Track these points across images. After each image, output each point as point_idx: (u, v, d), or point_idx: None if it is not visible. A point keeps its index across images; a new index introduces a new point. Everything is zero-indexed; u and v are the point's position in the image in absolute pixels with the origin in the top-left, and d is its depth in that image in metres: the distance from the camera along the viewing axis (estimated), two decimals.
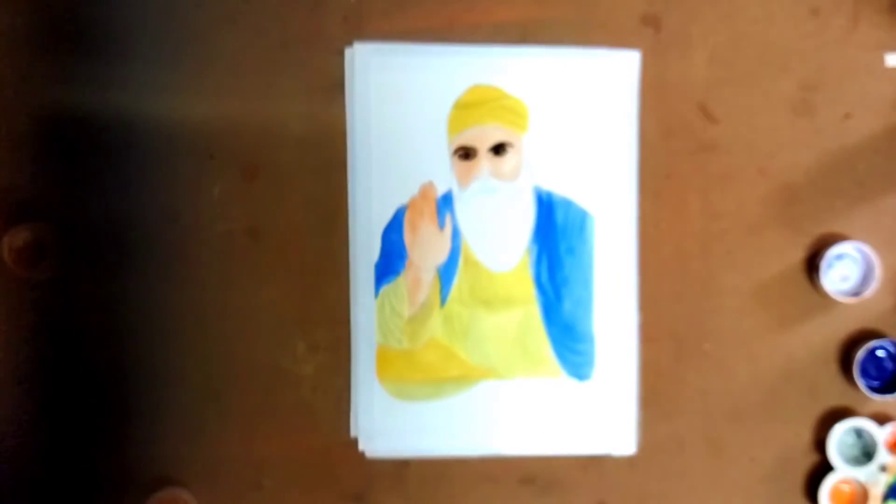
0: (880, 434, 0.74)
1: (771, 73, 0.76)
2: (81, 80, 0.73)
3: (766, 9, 0.75)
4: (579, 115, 0.75)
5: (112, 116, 0.73)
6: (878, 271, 0.74)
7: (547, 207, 0.74)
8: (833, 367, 0.76)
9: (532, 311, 0.75)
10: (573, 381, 0.75)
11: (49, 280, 0.72)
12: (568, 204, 0.74)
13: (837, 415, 0.76)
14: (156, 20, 0.73)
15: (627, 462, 0.76)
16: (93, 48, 0.73)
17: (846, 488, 0.76)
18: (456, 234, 0.75)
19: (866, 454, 0.75)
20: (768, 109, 0.76)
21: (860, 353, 0.74)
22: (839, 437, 0.75)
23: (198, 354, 0.74)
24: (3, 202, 0.72)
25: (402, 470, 0.75)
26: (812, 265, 0.76)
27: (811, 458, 0.77)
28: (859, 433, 0.75)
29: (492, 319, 0.75)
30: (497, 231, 0.75)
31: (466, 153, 0.74)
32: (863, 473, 0.75)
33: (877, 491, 0.75)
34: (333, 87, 0.74)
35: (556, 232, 0.74)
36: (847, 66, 0.76)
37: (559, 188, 0.74)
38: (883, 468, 0.75)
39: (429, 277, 0.75)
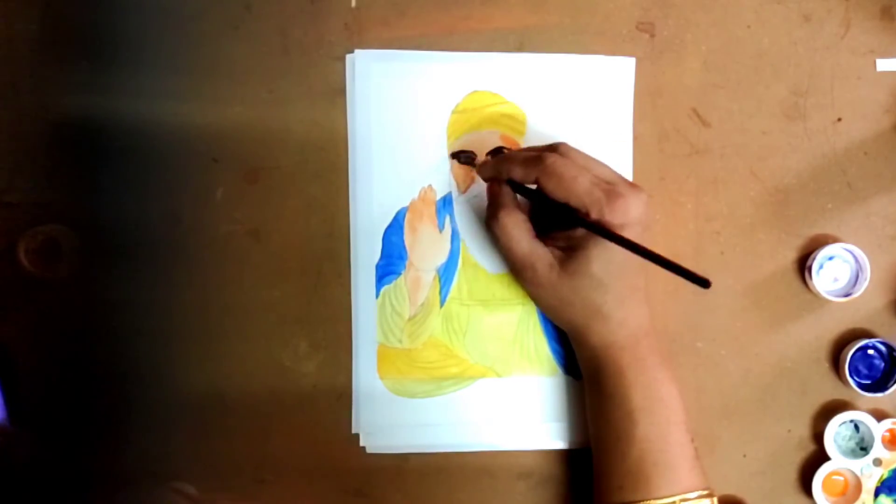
0: (878, 429, 0.75)
1: (763, 79, 0.76)
2: (91, 87, 0.73)
3: (758, 15, 0.76)
4: (575, 120, 0.76)
5: (120, 122, 0.73)
6: (868, 272, 0.75)
7: None
8: (824, 366, 0.77)
9: (529, 310, 0.76)
10: (569, 379, 0.76)
11: (63, 280, 0.73)
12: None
13: (832, 410, 0.76)
14: (161, 29, 0.74)
15: None
16: (102, 56, 0.73)
17: (839, 480, 0.77)
18: (455, 236, 0.76)
19: (862, 448, 0.76)
20: (760, 114, 0.77)
21: (851, 352, 0.75)
22: (836, 429, 0.76)
23: (201, 352, 0.74)
24: (19, 205, 0.73)
25: (401, 464, 0.75)
26: (803, 266, 0.77)
27: (803, 453, 0.77)
28: (857, 426, 0.76)
29: (490, 319, 0.76)
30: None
31: (465, 158, 0.75)
32: (857, 466, 0.76)
33: (870, 484, 0.75)
34: (334, 93, 0.74)
35: None
36: (838, 71, 0.77)
37: None
38: (877, 462, 0.76)
39: (428, 278, 0.76)
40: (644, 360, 0.68)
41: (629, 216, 0.65)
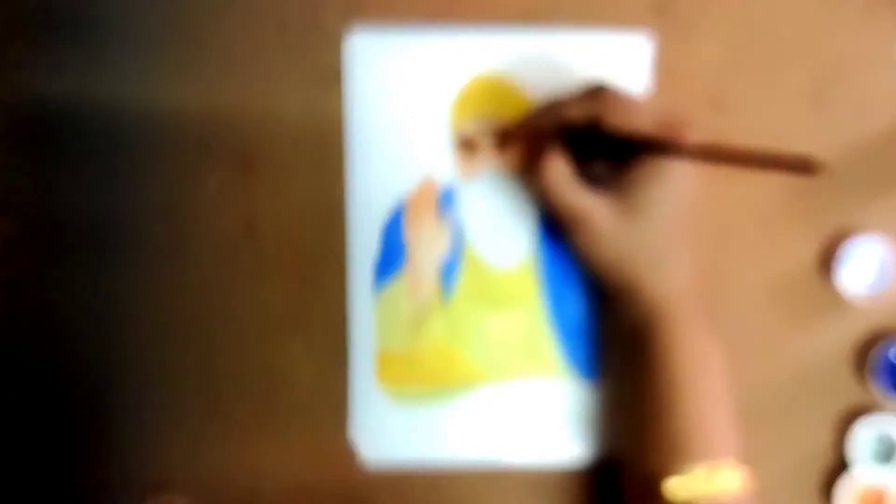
0: None
1: (783, 64, 0.75)
2: (69, 70, 0.72)
3: None
4: None
5: (100, 107, 0.72)
6: (894, 267, 0.73)
7: None
8: (848, 367, 0.75)
9: (538, 309, 0.74)
10: (581, 382, 0.74)
11: (44, 280, 0.72)
12: None
13: (855, 413, 0.75)
14: (146, 6, 0.72)
15: None
16: (79, 36, 0.72)
17: (864, 487, 0.75)
18: (458, 230, 0.74)
19: (886, 454, 0.74)
20: (781, 101, 0.75)
21: (876, 353, 0.73)
22: (860, 435, 0.74)
23: (191, 356, 0.73)
24: None
25: (403, 478, 0.74)
26: (826, 261, 0.75)
27: (826, 459, 0.76)
28: (881, 432, 0.74)
29: (495, 319, 0.74)
30: (501, 227, 0.74)
31: (469, 145, 0.73)
32: (882, 472, 0.74)
33: (895, 491, 0.74)
34: (332, 76, 0.73)
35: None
36: (861, 56, 0.75)
37: None
38: None
39: (430, 275, 0.74)
40: (693, 321, 0.68)
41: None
